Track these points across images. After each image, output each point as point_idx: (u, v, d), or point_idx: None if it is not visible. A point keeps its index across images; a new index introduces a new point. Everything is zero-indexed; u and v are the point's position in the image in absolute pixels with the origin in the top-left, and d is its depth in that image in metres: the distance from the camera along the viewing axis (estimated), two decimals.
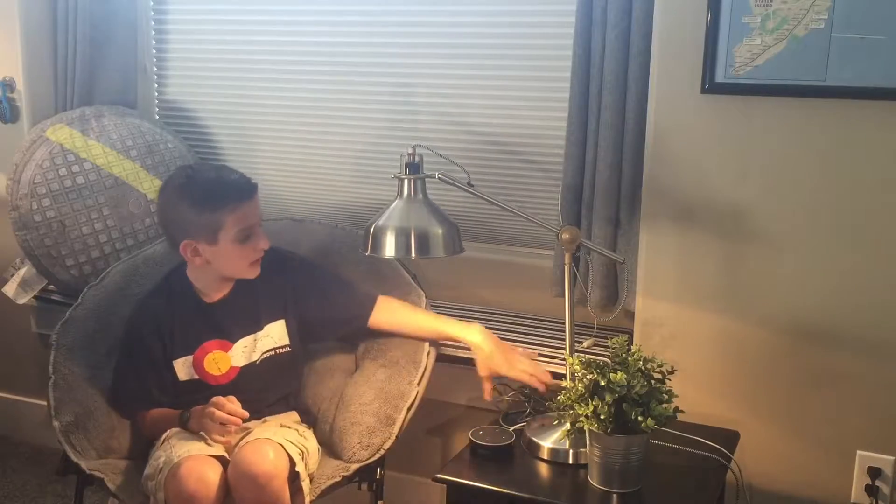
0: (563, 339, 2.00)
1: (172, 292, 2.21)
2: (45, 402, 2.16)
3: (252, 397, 2.10)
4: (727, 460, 1.91)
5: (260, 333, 2.17)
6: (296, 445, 2.01)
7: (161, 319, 2.17)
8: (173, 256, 2.22)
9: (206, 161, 2.82)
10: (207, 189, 2.09)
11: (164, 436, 2.07)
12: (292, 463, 1.96)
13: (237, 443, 2.04)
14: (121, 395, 2.19)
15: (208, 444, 2.01)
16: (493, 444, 1.92)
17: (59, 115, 2.71)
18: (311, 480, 2.02)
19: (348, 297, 2.24)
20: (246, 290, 2.19)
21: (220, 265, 2.13)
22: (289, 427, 2.10)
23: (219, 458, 1.98)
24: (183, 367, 2.15)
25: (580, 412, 1.72)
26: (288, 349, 2.20)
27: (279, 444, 1.96)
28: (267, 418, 2.15)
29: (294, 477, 1.96)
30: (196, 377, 2.15)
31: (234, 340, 2.15)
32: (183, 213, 2.09)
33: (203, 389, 2.12)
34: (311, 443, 2.11)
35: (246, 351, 2.16)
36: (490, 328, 2.41)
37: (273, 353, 2.18)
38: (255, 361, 2.16)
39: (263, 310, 2.19)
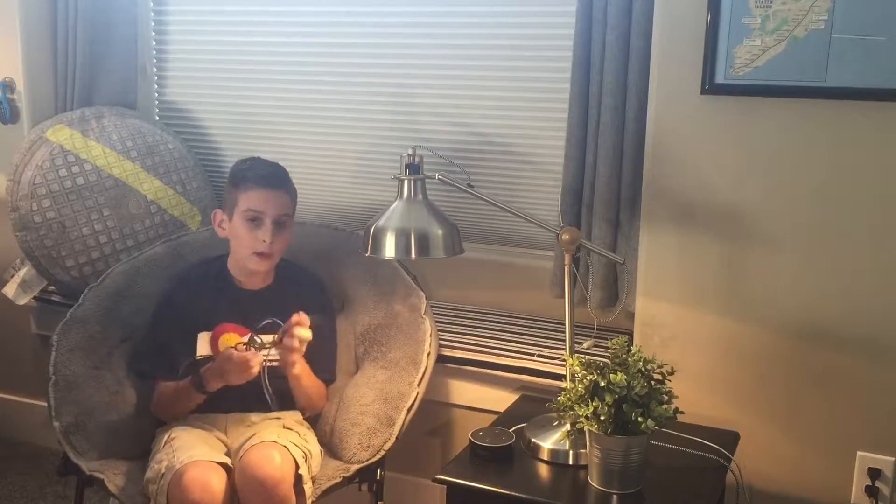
0: (563, 340, 2.00)
1: (210, 272, 2.28)
2: (45, 403, 2.16)
3: (257, 390, 2.10)
4: (727, 461, 1.91)
5: (270, 338, 2.16)
6: (299, 448, 2.01)
7: (195, 292, 2.23)
8: (193, 253, 2.32)
9: (205, 162, 2.82)
10: (239, 170, 2.25)
11: (165, 437, 2.07)
12: (296, 466, 1.96)
13: (241, 444, 2.04)
14: (144, 361, 2.23)
15: (212, 447, 2.01)
16: (492, 445, 1.91)
17: (59, 116, 2.71)
18: (312, 482, 2.02)
19: (321, 357, 2.23)
20: (277, 295, 2.23)
21: (234, 244, 2.22)
22: (290, 429, 2.11)
23: (221, 463, 1.97)
24: (203, 341, 2.18)
25: (580, 413, 1.72)
26: None
27: (284, 446, 1.97)
28: (270, 414, 2.15)
29: (297, 480, 1.96)
30: (210, 354, 2.17)
31: (251, 330, 2.16)
32: (226, 186, 2.28)
33: None
34: (314, 445, 2.12)
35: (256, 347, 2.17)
36: (490, 329, 2.43)
37: (277, 363, 2.18)
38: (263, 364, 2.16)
39: (284, 320, 2.19)
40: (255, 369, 2.02)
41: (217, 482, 1.90)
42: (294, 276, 2.30)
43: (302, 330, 2.03)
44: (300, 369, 2.11)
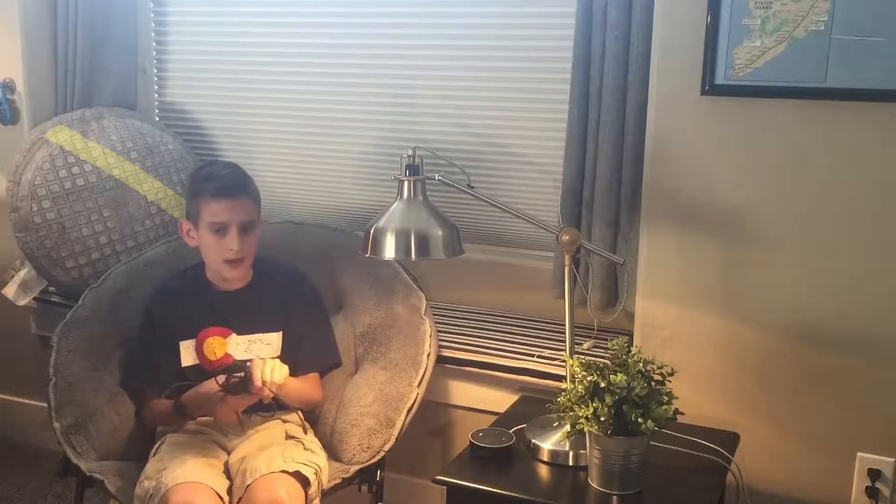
0: (563, 341, 2.00)
1: (187, 281, 2.27)
2: (45, 404, 2.16)
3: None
4: (727, 462, 1.90)
5: (257, 336, 2.18)
6: (310, 466, 1.98)
7: (174, 304, 2.23)
8: (192, 253, 2.30)
9: (205, 162, 2.82)
10: (199, 179, 2.24)
11: (155, 446, 2.08)
12: (307, 484, 1.94)
13: (243, 457, 2.02)
14: (131, 377, 2.23)
15: (204, 461, 1.99)
16: (492, 446, 1.91)
17: (60, 117, 2.71)
18: (321, 494, 2.00)
19: (316, 349, 2.24)
20: (256, 293, 2.23)
21: (203, 252, 2.22)
22: (295, 438, 2.08)
23: (224, 466, 1.97)
24: (187, 351, 2.17)
25: (580, 414, 1.72)
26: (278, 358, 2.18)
27: (293, 472, 1.93)
28: (270, 415, 2.14)
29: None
30: (197, 363, 2.16)
31: (234, 331, 2.17)
32: (187, 196, 2.30)
33: (202, 376, 2.11)
34: (321, 456, 2.09)
35: (240, 347, 2.16)
36: (490, 330, 2.43)
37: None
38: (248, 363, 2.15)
39: (267, 318, 2.20)
40: (234, 417, 2.04)
41: (203, 502, 1.87)
42: (271, 271, 2.29)
43: (273, 375, 1.99)
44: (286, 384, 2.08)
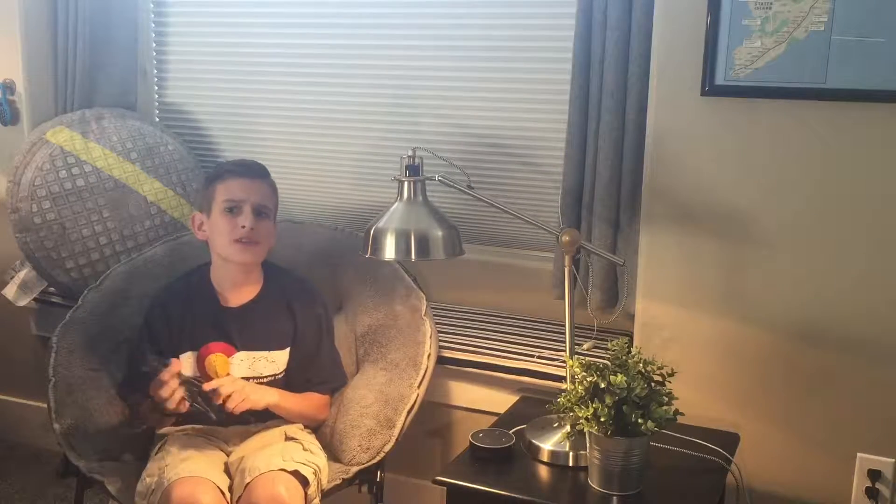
0: (563, 342, 2.00)
1: (191, 288, 2.22)
2: (44, 405, 2.16)
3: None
4: (727, 462, 1.90)
5: (261, 354, 2.15)
6: (309, 466, 1.97)
7: (173, 312, 2.19)
8: (193, 253, 2.29)
9: (205, 163, 2.82)
10: (215, 168, 2.24)
11: (158, 445, 2.08)
12: (306, 484, 1.94)
13: (243, 457, 2.02)
14: (127, 381, 2.21)
15: (206, 459, 1.99)
16: (492, 447, 1.91)
17: (60, 118, 2.71)
18: (322, 494, 2.00)
19: (319, 370, 2.23)
20: (263, 308, 2.19)
21: (213, 240, 2.16)
22: (294, 439, 2.08)
23: (224, 465, 1.97)
24: (187, 363, 2.13)
25: (580, 414, 1.72)
26: (283, 375, 2.18)
27: (292, 471, 1.93)
28: (270, 422, 2.14)
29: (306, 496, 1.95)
30: (198, 374, 2.13)
31: (237, 349, 2.14)
32: (201, 188, 2.29)
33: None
34: (320, 457, 2.08)
35: (243, 365, 2.14)
36: (490, 331, 2.43)
37: (272, 378, 2.16)
38: (251, 380, 2.13)
39: (274, 335, 2.18)
40: (172, 405, 1.97)
41: (206, 498, 1.86)
42: (281, 278, 2.24)
43: (230, 396, 1.98)
44: (274, 400, 2.08)
